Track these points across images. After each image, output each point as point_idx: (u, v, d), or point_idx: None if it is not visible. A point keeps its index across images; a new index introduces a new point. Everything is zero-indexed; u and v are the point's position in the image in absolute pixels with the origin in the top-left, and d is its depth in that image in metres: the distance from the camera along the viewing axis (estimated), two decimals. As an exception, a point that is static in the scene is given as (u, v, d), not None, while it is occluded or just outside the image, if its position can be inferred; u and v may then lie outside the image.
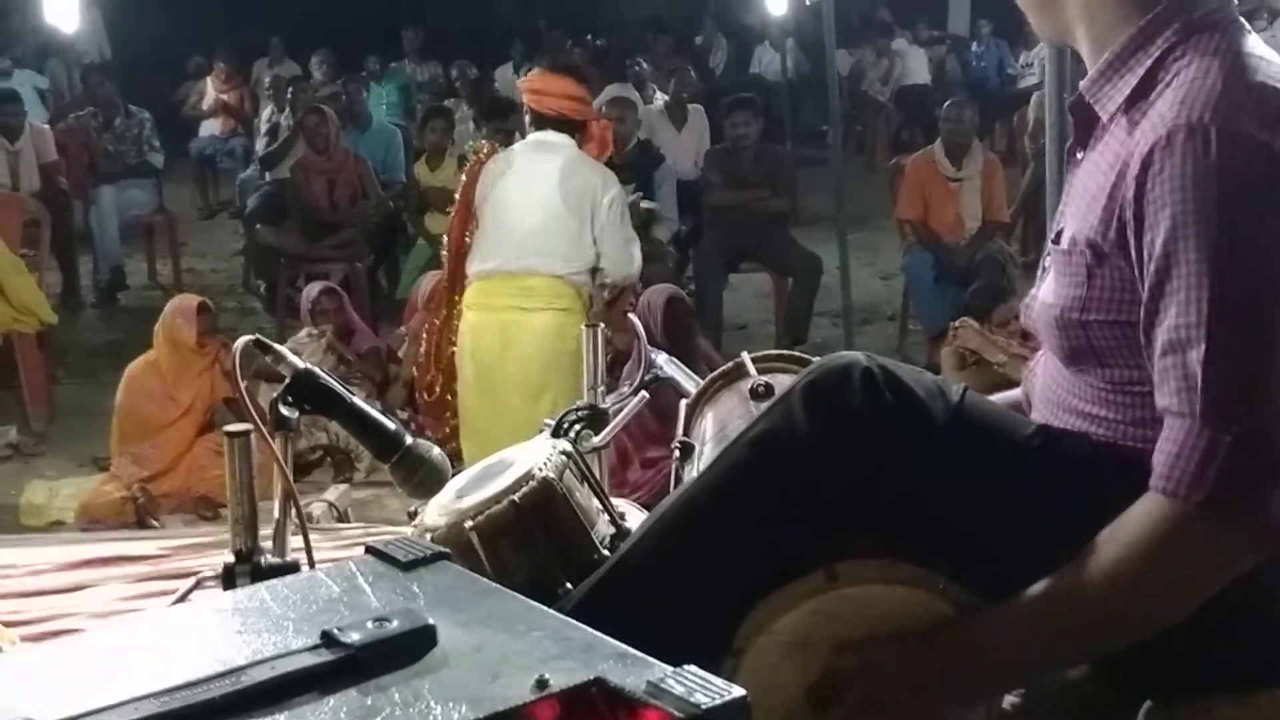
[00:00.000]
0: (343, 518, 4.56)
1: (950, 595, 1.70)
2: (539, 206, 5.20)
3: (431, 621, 0.93)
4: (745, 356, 2.15)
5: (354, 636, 0.90)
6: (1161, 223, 1.56)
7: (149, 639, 0.95)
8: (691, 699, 0.86)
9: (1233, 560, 1.58)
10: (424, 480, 1.86)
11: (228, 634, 0.93)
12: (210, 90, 13.58)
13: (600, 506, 1.97)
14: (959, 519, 1.70)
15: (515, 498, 1.85)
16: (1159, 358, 1.59)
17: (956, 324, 5.43)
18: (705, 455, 2.03)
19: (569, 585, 1.78)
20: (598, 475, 2.04)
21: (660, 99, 10.67)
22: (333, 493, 4.93)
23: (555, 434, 2.07)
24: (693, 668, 0.91)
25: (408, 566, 1.02)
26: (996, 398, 2.02)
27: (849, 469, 1.67)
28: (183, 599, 2.38)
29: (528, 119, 5.51)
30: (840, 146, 8.94)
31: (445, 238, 5.74)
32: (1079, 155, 1.79)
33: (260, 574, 1.57)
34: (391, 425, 1.86)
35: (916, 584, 1.70)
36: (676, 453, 2.07)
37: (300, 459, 5.99)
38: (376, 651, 0.90)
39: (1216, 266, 1.53)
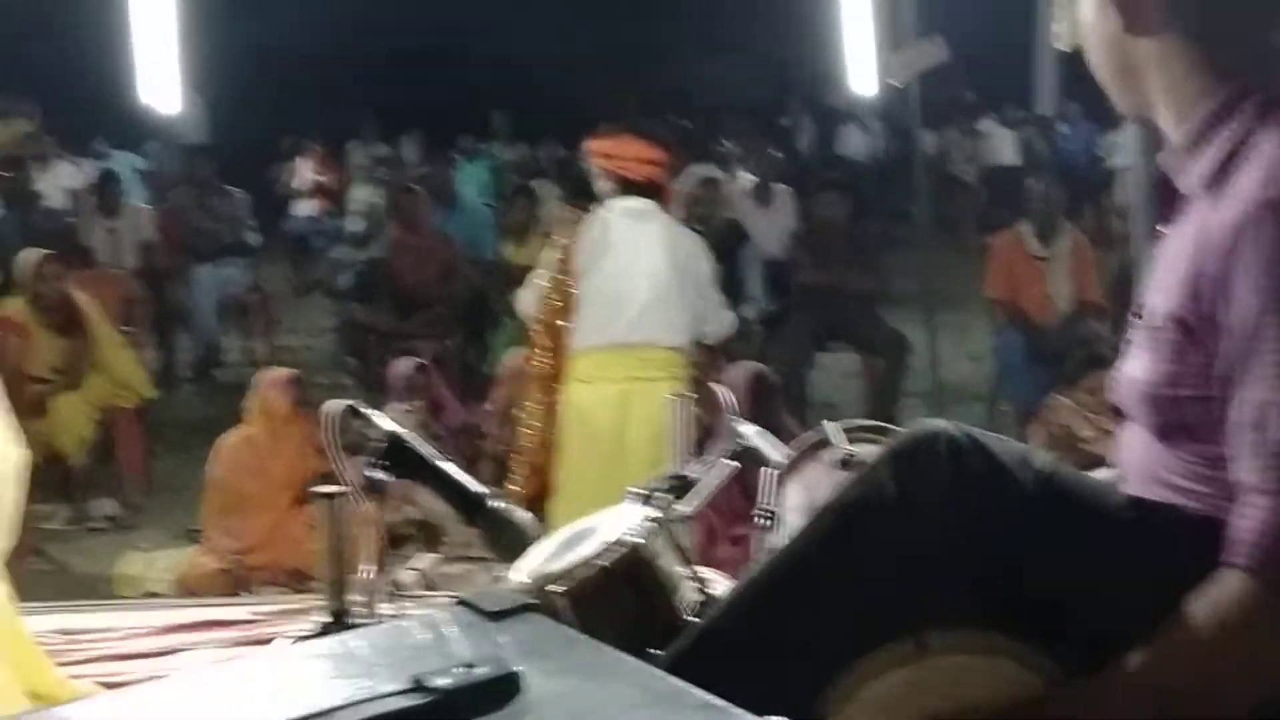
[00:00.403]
0: (431, 586, 4.58)
1: (1038, 667, 1.68)
2: (648, 276, 5.23)
3: (518, 669, 0.94)
4: (829, 426, 2.15)
5: (442, 681, 0.92)
6: (1246, 299, 1.56)
7: (243, 681, 0.97)
8: (777, 751, 0.87)
9: None
10: (509, 542, 1.88)
11: (319, 678, 0.95)
12: (304, 170, 13.86)
13: (687, 574, 1.98)
14: (1047, 589, 1.69)
15: (604, 562, 1.86)
16: (1240, 432, 1.58)
17: (1052, 400, 5.41)
18: (790, 524, 2.03)
19: (655, 651, 1.79)
20: (684, 544, 2.05)
21: (746, 179, 10.75)
22: (423, 561, 4.97)
23: (643, 502, 2.08)
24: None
25: (495, 616, 1.04)
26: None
27: (936, 537, 1.67)
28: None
29: (607, 185, 5.51)
30: (927, 227, 8.94)
31: (537, 310, 5.68)
32: (1165, 230, 1.79)
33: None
34: (477, 487, 1.88)
35: (1005, 655, 1.68)
36: (762, 521, 2.07)
37: (391, 532, 6.03)
38: (464, 696, 0.91)
39: None
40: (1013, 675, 1.68)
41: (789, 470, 2.14)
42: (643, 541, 1.89)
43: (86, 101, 15.01)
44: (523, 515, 1.88)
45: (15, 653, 2.61)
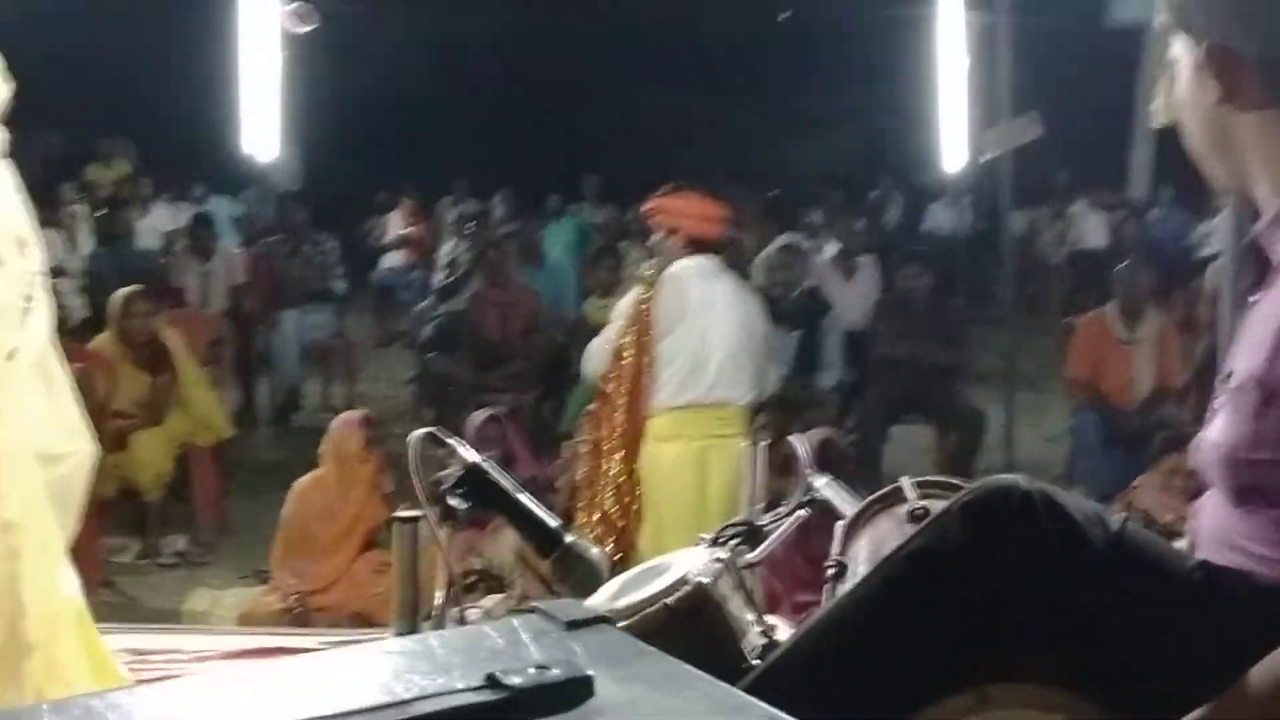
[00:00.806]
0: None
1: (1102, 726, 1.68)
2: (722, 336, 5.29)
3: (590, 673, 0.96)
4: (905, 481, 2.16)
5: (515, 680, 0.94)
6: None
7: (321, 671, 1.00)
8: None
9: None
10: (581, 578, 1.89)
11: (395, 672, 0.97)
12: (395, 224, 14.05)
13: (752, 618, 1.99)
14: (1113, 647, 1.68)
15: (669, 601, 1.87)
16: None
17: (1136, 483, 5.37)
18: (859, 576, 2.04)
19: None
20: (752, 590, 2.06)
21: (831, 249, 10.76)
22: (489, 601, 4.99)
23: (712, 545, 2.09)
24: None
25: (569, 625, 1.06)
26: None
27: (1004, 589, 1.67)
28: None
29: (673, 243, 5.53)
30: (1012, 306, 8.91)
31: (608, 370, 5.68)
32: (1253, 299, 1.80)
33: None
34: (554, 522, 1.91)
35: (1068, 711, 1.68)
36: (830, 571, 2.08)
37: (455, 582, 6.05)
38: (536, 695, 0.93)
39: None
40: (1073, 733, 1.68)
41: (861, 522, 2.15)
42: (709, 581, 1.90)
43: (186, 146, 15.36)
44: (596, 552, 1.90)
45: (87, 646, 2.67)
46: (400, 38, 16.00)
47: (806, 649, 1.74)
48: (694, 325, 5.38)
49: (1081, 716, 1.67)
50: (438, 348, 9.59)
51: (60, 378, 2.83)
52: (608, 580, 1.97)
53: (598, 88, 18.95)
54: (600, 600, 1.98)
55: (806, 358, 8.28)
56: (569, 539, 1.89)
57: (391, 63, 16.43)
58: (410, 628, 1.71)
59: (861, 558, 2.10)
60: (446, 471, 1.91)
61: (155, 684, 0.96)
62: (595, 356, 5.68)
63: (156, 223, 12.83)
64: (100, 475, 6.71)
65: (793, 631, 1.93)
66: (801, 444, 2.37)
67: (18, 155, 2.71)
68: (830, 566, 2.09)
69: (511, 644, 1.02)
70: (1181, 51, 1.79)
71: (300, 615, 6.00)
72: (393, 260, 13.75)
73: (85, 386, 6.79)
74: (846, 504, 2.24)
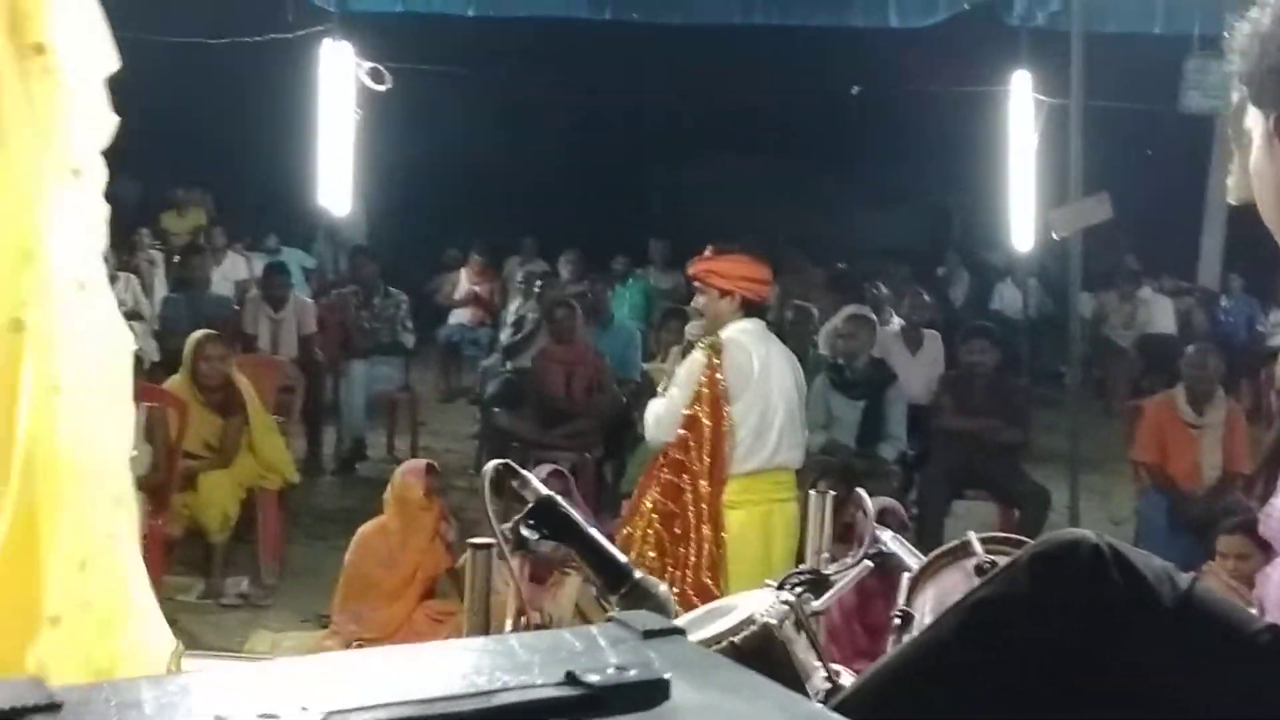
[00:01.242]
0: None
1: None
2: (782, 399, 5.31)
3: (667, 676, 0.99)
4: (972, 535, 2.17)
5: (594, 678, 0.97)
6: None
7: (402, 661, 1.03)
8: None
9: None
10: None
11: (476, 667, 1.00)
12: (463, 281, 14.19)
13: (817, 663, 2.00)
14: (1176, 705, 1.68)
15: (735, 639, 1.89)
16: None
17: (1203, 568, 5.32)
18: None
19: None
20: (816, 636, 2.07)
21: (897, 322, 10.76)
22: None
23: (778, 588, 2.11)
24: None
25: (646, 635, 1.08)
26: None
27: (1069, 641, 1.68)
28: None
29: (725, 305, 5.51)
30: (1078, 387, 8.86)
31: (691, 435, 5.54)
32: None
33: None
34: (622, 558, 1.93)
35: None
36: (896, 621, 2.09)
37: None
38: (614, 694, 0.96)
39: None
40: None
41: (927, 575, 2.16)
42: (775, 622, 1.92)
43: (260, 198, 15.66)
44: (664, 589, 1.92)
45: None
46: (472, 100, 16.21)
47: (870, 692, 1.75)
48: (759, 390, 5.38)
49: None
50: (502, 404, 9.65)
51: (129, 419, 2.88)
52: (672, 618, 1.99)
53: (667, 154, 19.12)
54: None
55: (870, 427, 8.26)
56: (637, 575, 1.91)
57: (463, 124, 16.64)
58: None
59: (927, 609, 2.11)
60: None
61: (245, 665, 0.99)
62: (665, 423, 5.57)
63: (229, 271, 13.03)
64: (168, 514, 6.80)
65: (856, 677, 1.94)
66: (865, 498, 2.39)
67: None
68: (896, 616, 2.10)
69: (590, 648, 1.05)
70: (1254, 123, 1.81)
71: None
72: (460, 317, 13.88)
73: (157, 426, 6.98)
74: (912, 558, 2.25)
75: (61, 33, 2.64)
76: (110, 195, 2.81)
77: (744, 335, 5.57)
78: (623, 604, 1.93)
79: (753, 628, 1.91)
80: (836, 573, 2.24)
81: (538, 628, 5.99)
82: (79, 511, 2.63)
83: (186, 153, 15.44)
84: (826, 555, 2.31)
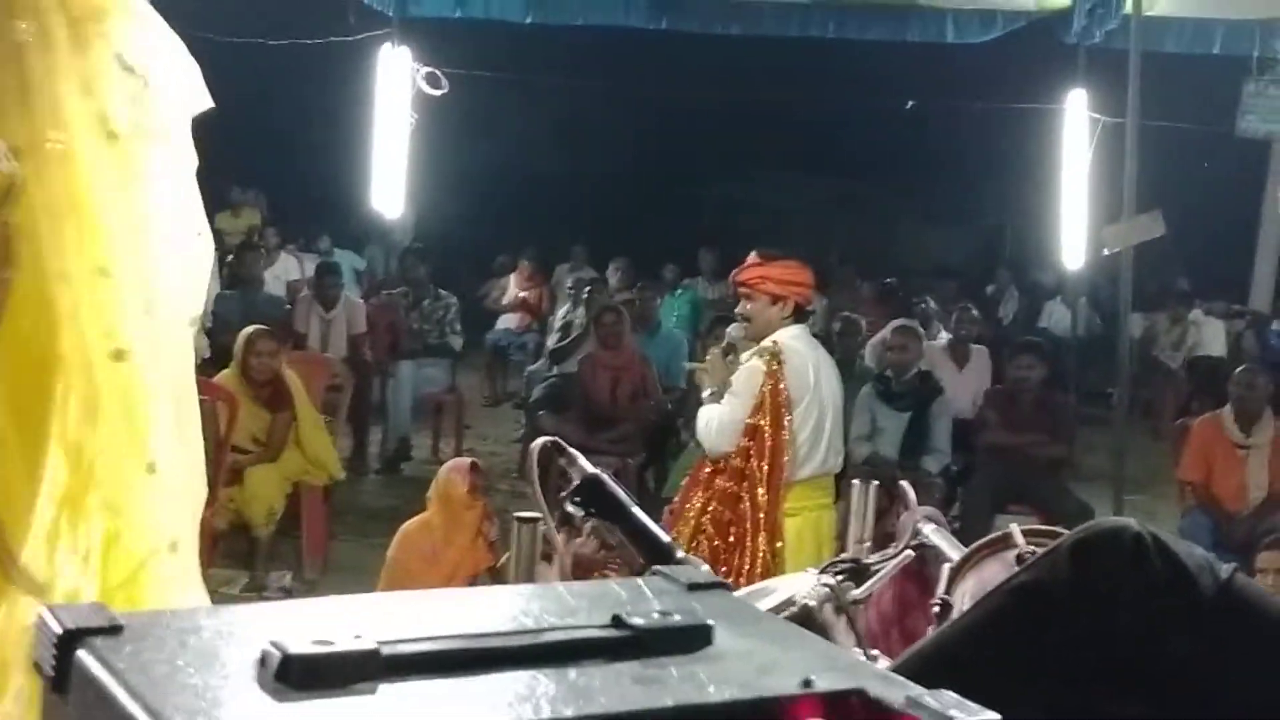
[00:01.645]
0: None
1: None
2: (832, 405, 5.31)
3: (710, 622, 1.01)
4: (1014, 527, 2.18)
5: (639, 621, 1.00)
6: None
7: (455, 600, 1.06)
8: (948, 713, 0.92)
9: None
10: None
11: (528, 607, 1.03)
12: (512, 286, 14.27)
13: (855, 649, 2.01)
14: (1214, 693, 1.69)
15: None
16: None
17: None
18: (964, 615, 2.06)
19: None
20: (857, 622, 2.09)
21: (944, 337, 10.74)
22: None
23: (819, 573, 2.13)
24: (949, 692, 0.97)
25: (690, 587, 1.11)
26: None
27: (1108, 628, 1.69)
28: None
29: (776, 311, 5.48)
30: (1125, 407, 8.80)
31: (753, 444, 5.46)
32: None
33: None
34: (666, 537, 1.95)
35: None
36: (935, 610, 2.10)
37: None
38: (659, 636, 0.98)
39: None
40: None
41: (968, 566, 2.17)
42: (815, 604, 1.94)
43: (314, 200, 15.79)
44: (706, 569, 1.94)
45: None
46: (527, 107, 16.33)
47: (907, 672, 1.76)
48: (815, 396, 5.37)
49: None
50: (547, 407, 9.69)
51: (194, 419, 2.93)
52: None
53: (719, 165, 19.16)
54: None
55: (915, 440, 8.25)
56: (681, 554, 1.93)
57: (517, 130, 16.78)
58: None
59: (966, 599, 2.12)
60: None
61: (302, 600, 1.02)
62: (728, 432, 5.44)
63: (281, 272, 13.15)
64: (214, 507, 6.85)
65: (893, 661, 1.96)
66: (908, 490, 2.40)
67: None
68: (935, 605, 2.11)
69: (635, 596, 1.08)
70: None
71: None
72: (508, 321, 13.96)
73: (207, 419, 7.03)
74: (954, 549, 2.27)
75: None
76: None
77: (799, 342, 5.56)
78: (665, 583, 1.96)
79: (793, 609, 1.93)
80: (878, 563, 2.26)
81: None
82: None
83: (242, 153, 15.59)
84: (868, 544, 2.33)
